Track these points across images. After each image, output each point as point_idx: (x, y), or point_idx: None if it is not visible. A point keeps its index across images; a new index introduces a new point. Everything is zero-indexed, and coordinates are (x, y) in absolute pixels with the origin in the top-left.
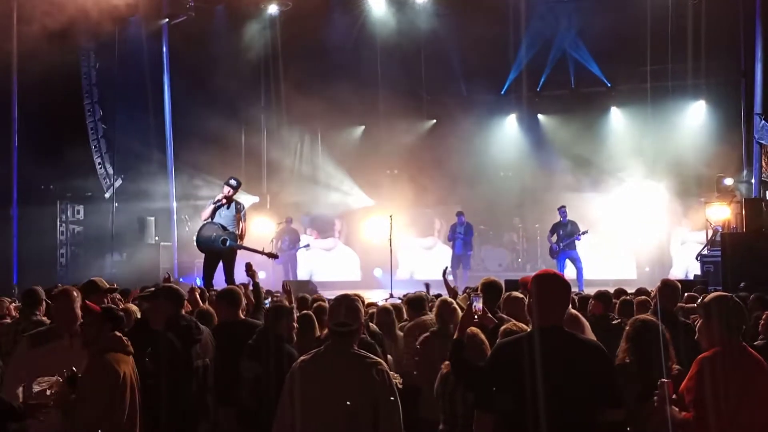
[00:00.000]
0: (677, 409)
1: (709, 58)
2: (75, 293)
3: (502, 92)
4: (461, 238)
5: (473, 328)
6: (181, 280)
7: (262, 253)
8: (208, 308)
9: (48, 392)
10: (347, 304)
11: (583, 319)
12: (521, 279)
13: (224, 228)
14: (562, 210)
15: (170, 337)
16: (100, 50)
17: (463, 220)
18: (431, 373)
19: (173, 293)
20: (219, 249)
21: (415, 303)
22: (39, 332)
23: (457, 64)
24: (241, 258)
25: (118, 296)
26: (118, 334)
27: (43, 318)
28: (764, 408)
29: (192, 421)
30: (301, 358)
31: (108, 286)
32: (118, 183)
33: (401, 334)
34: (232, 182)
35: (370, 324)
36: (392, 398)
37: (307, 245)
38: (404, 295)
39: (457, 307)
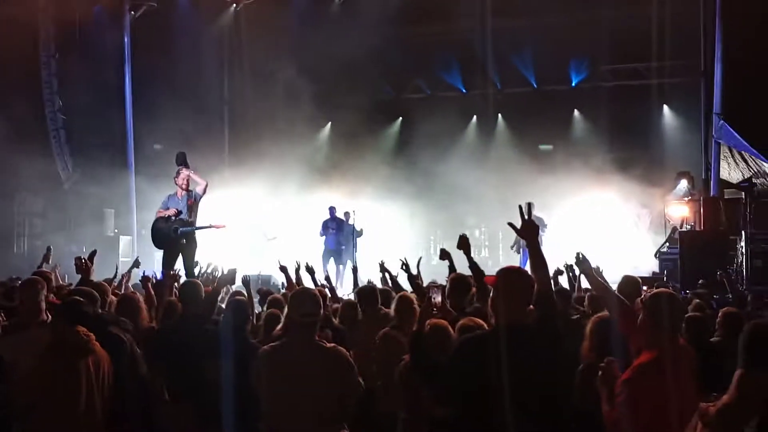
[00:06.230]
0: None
1: (670, 58)
2: (40, 284)
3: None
4: (334, 233)
5: (442, 321)
6: (143, 272)
7: (210, 227)
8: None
9: None
10: (311, 295)
11: None
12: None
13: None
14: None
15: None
16: (60, 39)
17: (335, 214)
18: (390, 368)
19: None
20: (174, 239)
21: (369, 297)
22: (9, 322)
23: (423, 63)
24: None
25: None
26: (79, 329)
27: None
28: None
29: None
30: (264, 348)
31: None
32: (77, 174)
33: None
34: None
35: (333, 320)
36: (353, 374)
37: (274, 237)
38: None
39: (416, 302)
